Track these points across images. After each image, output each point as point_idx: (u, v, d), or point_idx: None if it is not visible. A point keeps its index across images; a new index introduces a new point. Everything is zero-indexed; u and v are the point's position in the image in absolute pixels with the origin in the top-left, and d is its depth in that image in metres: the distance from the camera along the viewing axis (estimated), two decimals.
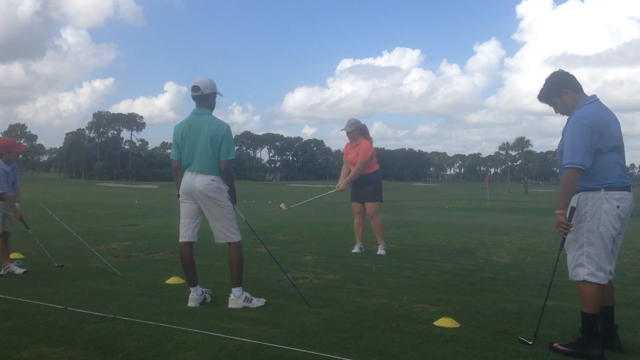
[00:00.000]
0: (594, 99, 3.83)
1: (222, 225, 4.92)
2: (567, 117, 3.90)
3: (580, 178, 3.68)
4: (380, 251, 8.35)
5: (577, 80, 3.88)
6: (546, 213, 23.11)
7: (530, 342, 3.86)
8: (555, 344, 3.77)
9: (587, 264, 3.69)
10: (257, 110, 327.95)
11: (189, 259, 5.00)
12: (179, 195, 5.09)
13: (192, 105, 5.02)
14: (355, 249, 8.58)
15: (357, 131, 8.39)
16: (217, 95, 5.07)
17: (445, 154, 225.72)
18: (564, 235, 3.79)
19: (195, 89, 4.93)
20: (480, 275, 6.79)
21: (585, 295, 3.71)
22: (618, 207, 3.68)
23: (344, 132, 8.41)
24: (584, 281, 3.71)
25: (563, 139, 3.83)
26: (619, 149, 3.77)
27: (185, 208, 5.01)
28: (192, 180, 4.88)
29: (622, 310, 5.01)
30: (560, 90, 3.86)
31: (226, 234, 4.94)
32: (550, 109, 3.99)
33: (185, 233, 5.03)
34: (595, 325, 3.71)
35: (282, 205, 9.47)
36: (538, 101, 4.02)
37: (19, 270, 6.33)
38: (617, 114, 3.89)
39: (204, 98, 4.97)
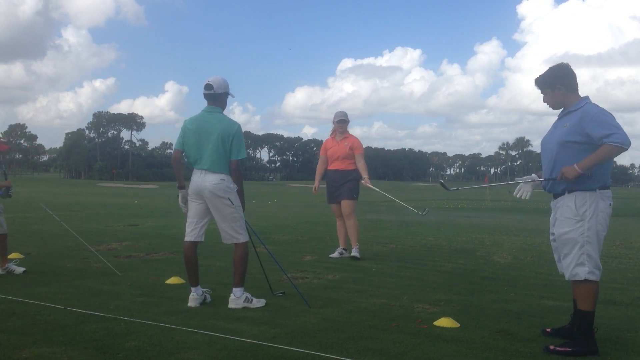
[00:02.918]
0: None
1: (229, 226, 4.91)
2: (561, 113, 3.95)
3: (579, 177, 3.72)
4: (355, 253, 7.81)
5: (575, 81, 3.90)
6: (546, 213, 23.10)
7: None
8: (552, 347, 3.76)
9: (587, 262, 3.74)
10: (257, 110, 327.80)
11: (192, 259, 5.00)
12: (179, 196, 5.09)
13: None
14: (335, 254, 8.02)
15: (346, 124, 8.03)
16: (229, 96, 5.09)
17: (445, 154, 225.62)
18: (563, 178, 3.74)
19: (208, 87, 4.94)
20: (480, 275, 6.79)
21: (587, 294, 3.76)
22: (610, 205, 3.80)
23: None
24: (584, 280, 3.74)
25: (559, 129, 3.86)
26: None
27: (194, 207, 5.00)
28: (202, 180, 4.87)
29: (622, 310, 5.02)
30: (555, 84, 3.90)
31: (233, 235, 4.94)
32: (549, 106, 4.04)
33: (192, 232, 5.02)
34: (592, 322, 3.76)
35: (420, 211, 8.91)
36: (535, 87, 4.06)
37: (19, 270, 6.31)
38: (617, 114, 3.98)
39: (216, 97, 4.97)
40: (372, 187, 8.01)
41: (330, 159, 8.00)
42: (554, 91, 3.91)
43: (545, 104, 4.03)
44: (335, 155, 7.93)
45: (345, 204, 7.86)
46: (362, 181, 7.89)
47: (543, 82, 3.96)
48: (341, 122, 7.97)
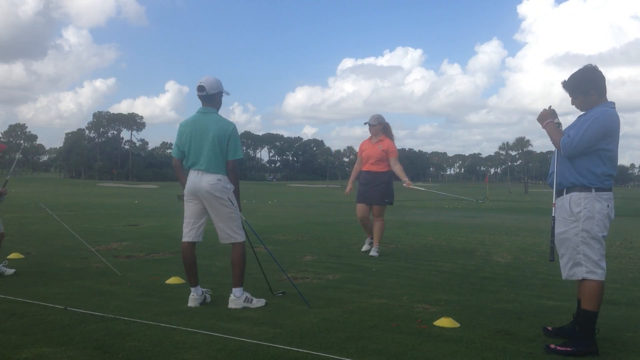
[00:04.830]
0: (614, 106, 3.91)
1: (226, 226, 4.91)
2: (582, 113, 3.98)
3: (575, 175, 3.80)
4: (374, 253, 8.15)
5: (605, 84, 3.93)
6: (546, 213, 23.10)
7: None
8: (552, 346, 3.76)
9: (584, 262, 3.75)
10: (258, 110, 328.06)
11: (191, 259, 5.00)
12: (179, 197, 5.08)
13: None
14: (366, 246, 8.49)
15: (380, 126, 8.27)
16: (224, 94, 5.06)
17: (445, 153, 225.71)
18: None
19: (200, 89, 4.91)
20: (480, 275, 6.79)
21: (590, 293, 3.76)
22: (608, 206, 3.81)
23: (363, 128, 8.37)
24: (583, 280, 3.76)
25: (571, 125, 3.98)
26: (616, 152, 3.88)
27: (190, 208, 5.00)
28: (198, 180, 4.87)
29: (622, 310, 5.01)
30: (589, 91, 3.89)
31: (230, 235, 4.94)
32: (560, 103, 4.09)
33: (189, 233, 5.02)
34: (595, 323, 3.76)
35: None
36: (562, 88, 4.07)
37: (9, 271, 6.23)
38: (618, 114, 3.95)
39: (210, 98, 4.95)
40: (416, 187, 8.51)
41: (365, 160, 8.33)
42: (587, 97, 3.90)
43: (574, 106, 4.03)
44: (369, 157, 8.26)
45: (376, 208, 8.22)
46: (404, 184, 8.36)
47: (579, 88, 3.93)
48: (368, 124, 8.34)
